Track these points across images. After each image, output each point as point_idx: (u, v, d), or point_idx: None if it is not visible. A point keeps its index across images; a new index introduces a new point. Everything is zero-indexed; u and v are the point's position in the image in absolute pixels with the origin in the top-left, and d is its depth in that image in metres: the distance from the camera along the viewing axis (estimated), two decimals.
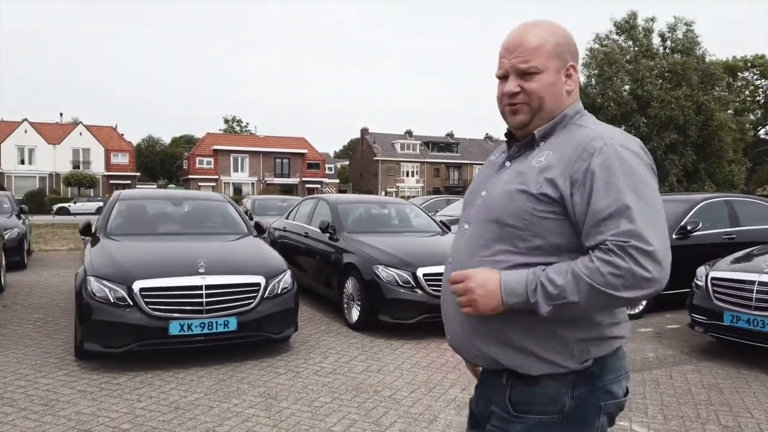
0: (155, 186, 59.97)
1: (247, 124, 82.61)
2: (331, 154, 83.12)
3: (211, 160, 56.00)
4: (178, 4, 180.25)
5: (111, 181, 54.10)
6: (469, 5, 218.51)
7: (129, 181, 54.65)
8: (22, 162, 51.99)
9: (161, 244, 5.50)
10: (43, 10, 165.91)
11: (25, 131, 52.20)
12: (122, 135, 58.31)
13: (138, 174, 57.34)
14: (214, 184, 55.07)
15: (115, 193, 6.81)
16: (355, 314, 6.06)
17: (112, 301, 4.51)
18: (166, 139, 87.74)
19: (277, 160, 58.58)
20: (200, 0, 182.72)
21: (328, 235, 6.88)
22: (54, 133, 53.69)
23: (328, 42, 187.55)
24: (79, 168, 52.87)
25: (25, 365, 4.66)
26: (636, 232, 1.25)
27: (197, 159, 55.94)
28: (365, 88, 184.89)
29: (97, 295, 4.55)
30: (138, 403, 3.90)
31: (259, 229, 6.50)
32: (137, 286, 4.53)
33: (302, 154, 59.34)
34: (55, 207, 41.51)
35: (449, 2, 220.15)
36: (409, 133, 67.79)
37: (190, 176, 55.14)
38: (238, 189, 55.18)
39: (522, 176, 1.40)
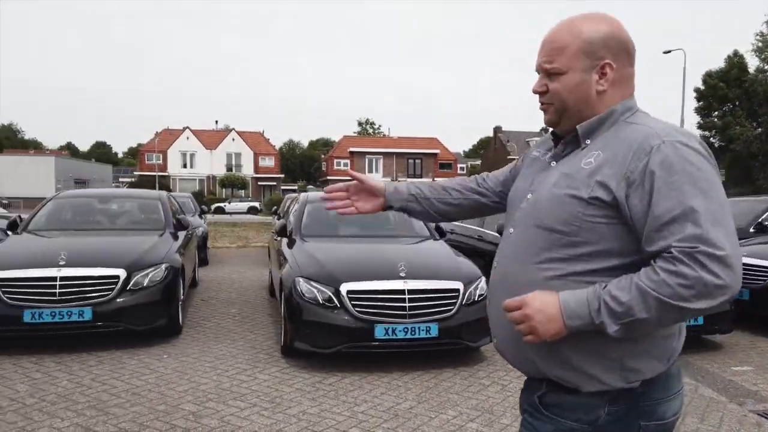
0: (296, 187, 63.59)
1: (380, 126, 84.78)
2: (462, 154, 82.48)
3: (348, 161, 58.10)
4: (312, 15, 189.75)
5: (259, 183, 58.35)
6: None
7: (274, 183, 58.55)
8: (185, 166, 57.84)
9: (358, 246, 5.57)
10: (202, 39, 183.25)
11: (187, 138, 58.03)
12: (268, 140, 62.65)
13: (282, 176, 61.17)
14: None
15: (302, 195, 7.08)
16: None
17: (321, 302, 4.61)
18: (305, 143, 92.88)
19: (410, 160, 59.32)
20: (334, 11, 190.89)
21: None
22: (211, 139, 59.08)
23: (455, 41, 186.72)
24: (232, 171, 57.66)
25: (240, 360, 4.92)
26: (703, 236, 1.15)
27: (335, 161, 58.37)
28: (495, 85, 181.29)
29: (306, 296, 4.68)
30: (356, 406, 3.91)
31: (441, 232, 6.39)
32: (344, 288, 4.58)
33: (434, 154, 59.53)
34: (213, 206, 45.57)
35: None
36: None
37: (328, 177, 57.65)
38: None
39: (570, 179, 1.31)
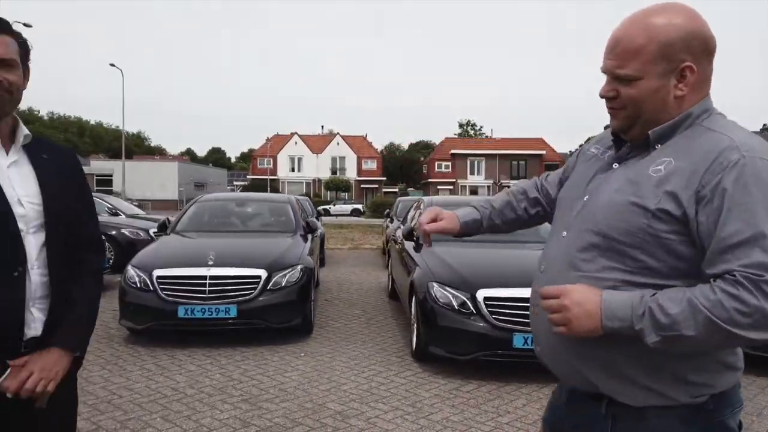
0: (397, 190, 64.27)
1: (481, 127, 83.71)
2: (569, 154, 79.27)
3: (449, 164, 57.85)
4: (411, 17, 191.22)
5: (362, 186, 59.67)
6: None
7: (377, 185, 59.60)
8: (293, 169, 60.49)
9: (489, 252, 5.48)
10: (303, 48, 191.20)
11: (295, 143, 60.66)
12: (371, 143, 63.95)
13: (384, 179, 62.18)
14: (451, 187, 56.80)
15: (426, 199, 7.10)
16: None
17: (455, 307, 4.57)
18: (405, 145, 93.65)
19: (514, 162, 57.89)
20: (430, 11, 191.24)
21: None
22: (316, 143, 61.35)
23: (558, 37, 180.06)
24: (336, 174, 59.49)
25: (374, 362, 5.01)
26: None
27: (436, 163, 58.35)
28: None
29: (441, 300, 4.66)
30: (499, 417, 3.82)
31: None
32: (480, 294, 4.51)
33: (540, 156, 57.68)
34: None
35: None
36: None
37: (429, 180, 57.77)
38: (473, 192, 55.97)
39: (635, 186, 1.21)
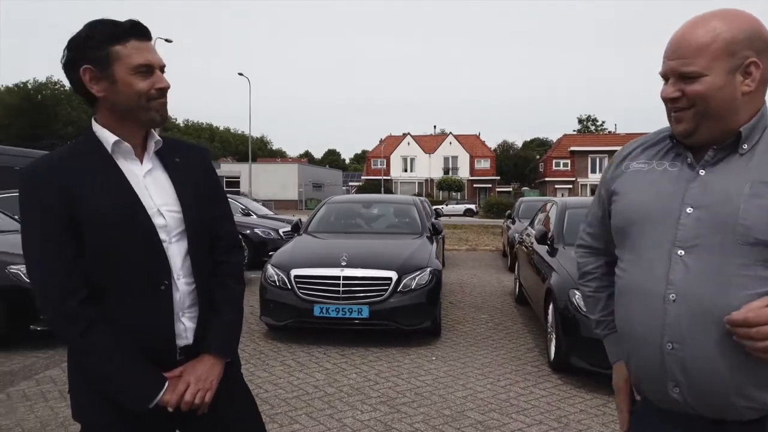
0: (510, 189, 62.66)
1: (603, 122, 79.16)
2: None
3: (568, 162, 55.35)
4: (523, 13, 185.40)
5: (474, 185, 58.90)
6: None
7: (489, 185, 58.53)
8: (405, 170, 61.12)
9: None
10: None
11: (408, 143, 61.27)
12: (484, 142, 62.95)
13: (498, 178, 60.93)
14: (570, 186, 54.33)
15: (560, 201, 6.76)
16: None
17: None
18: (519, 143, 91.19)
19: None
20: (546, 5, 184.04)
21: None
22: (429, 143, 61.53)
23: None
24: (448, 173, 59.24)
25: (508, 370, 4.83)
26: None
27: (554, 161, 56.09)
28: None
29: (584, 310, 4.38)
30: None
31: None
32: None
33: None
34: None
35: None
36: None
37: (546, 179, 55.67)
38: (595, 191, 53.16)
39: None
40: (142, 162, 1.48)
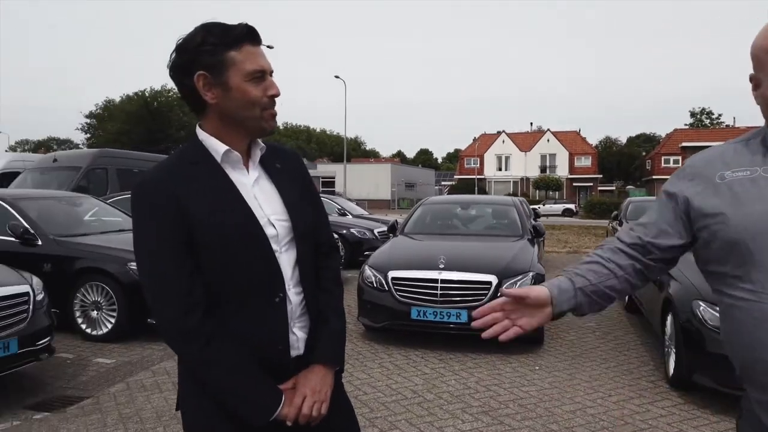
0: (613, 188, 59.43)
1: (720, 115, 72.86)
2: None
3: (679, 158, 51.52)
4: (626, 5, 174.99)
5: (574, 184, 56.48)
6: None
7: (591, 183, 55.88)
8: (499, 168, 59.83)
9: None
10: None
11: (503, 141, 59.93)
12: (584, 138, 60.17)
13: (600, 176, 58.02)
14: None
15: None
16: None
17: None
18: (623, 140, 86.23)
19: None
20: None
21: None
22: (525, 141, 59.80)
23: None
24: (545, 172, 57.24)
25: (621, 385, 4.49)
26: None
27: (662, 158, 52.49)
28: None
29: (710, 323, 3.96)
30: None
31: None
32: None
33: None
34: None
35: None
36: None
37: (653, 177, 52.22)
38: None
39: None
40: (248, 170, 1.44)
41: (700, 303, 4.07)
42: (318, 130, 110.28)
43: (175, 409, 1.51)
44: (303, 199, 1.51)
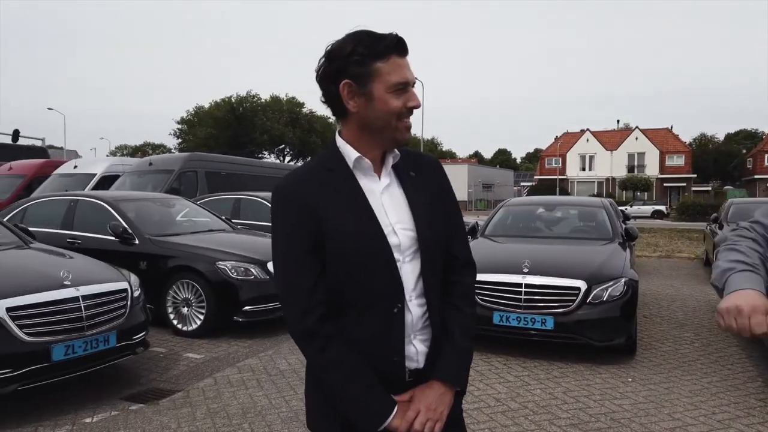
0: (709, 188, 55.55)
1: None
2: None
3: None
4: None
5: (664, 184, 53.33)
6: None
7: (684, 183, 52.56)
8: (583, 168, 57.52)
9: None
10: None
11: (587, 140, 57.57)
12: (677, 136, 56.67)
13: (694, 176, 54.45)
14: None
15: None
16: None
17: None
18: (720, 137, 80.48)
19: None
20: None
21: None
22: (611, 139, 57.14)
23: None
24: (633, 171, 54.42)
25: (725, 401, 4.12)
26: None
27: (766, 156, 48.45)
28: None
29: None
30: None
31: None
32: None
33: None
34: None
35: None
36: None
37: (755, 176, 48.32)
38: None
39: None
40: (379, 177, 1.45)
41: None
42: None
43: (307, 426, 1.55)
44: (435, 210, 1.47)
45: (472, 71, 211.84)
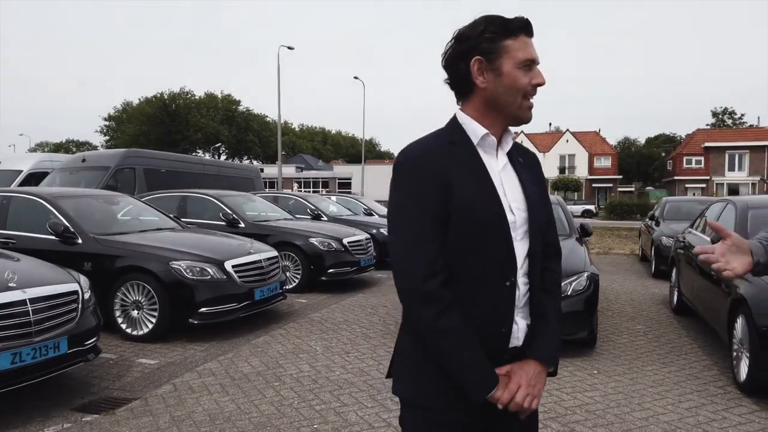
0: (633, 189, 58.63)
1: (742, 115, 71.55)
2: None
3: (701, 158, 50.73)
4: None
5: (593, 185, 55.83)
6: None
7: (611, 184, 55.22)
8: None
9: None
10: None
11: (521, 142, 59.14)
12: (604, 139, 59.46)
13: (620, 177, 57.32)
14: (704, 185, 49.73)
15: (739, 200, 5.97)
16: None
17: None
18: (642, 140, 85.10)
19: None
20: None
21: None
22: (544, 141, 59.18)
23: None
24: (564, 173, 56.62)
25: (687, 389, 4.26)
26: None
27: (684, 158, 51.66)
28: None
29: None
30: None
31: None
32: None
33: None
34: None
35: None
36: None
37: (675, 177, 51.43)
38: (733, 190, 48.09)
39: None
40: (497, 157, 1.50)
41: None
42: (333, 131, 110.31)
43: (385, 377, 1.63)
44: (540, 197, 1.55)
45: (411, 72, 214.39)
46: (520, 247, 1.46)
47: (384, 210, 14.76)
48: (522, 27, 1.44)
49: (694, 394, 4.18)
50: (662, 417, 3.75)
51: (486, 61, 1.42)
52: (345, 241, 8.53)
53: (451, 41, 1.47)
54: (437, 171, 1.40)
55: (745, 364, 4.16)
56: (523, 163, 1.55)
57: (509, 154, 1.53)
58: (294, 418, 3.70)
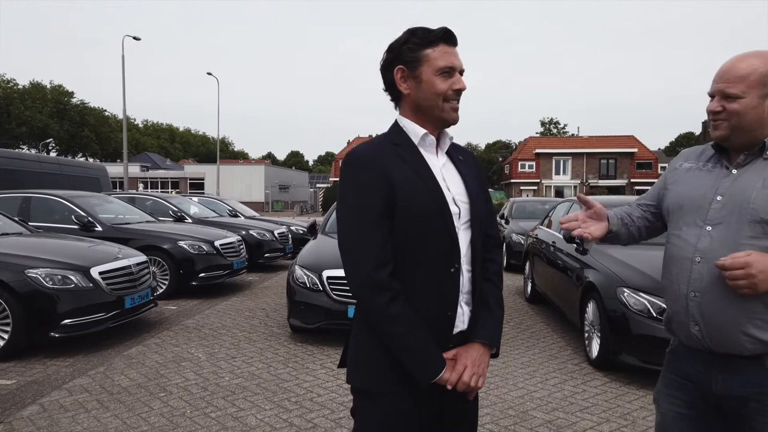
0: None
1: (565, 125, 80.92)
2: (662, 152, 74.99)
3: (533, 163, 56.37)
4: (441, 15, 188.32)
5: None
6: None
7: None
8: None
9: (655, 254, 5.15)
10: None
11: None
12: None
13: None
14: (535, 187, 55.33)
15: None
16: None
17: (654, 315, 4.31)
18: (482, 146, 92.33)
19: (602, 161, 55.52)
20: (502, 5, 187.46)
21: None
22: None
23: (649, 27, 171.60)
24: None
25: (551, 368, 4.81)
26: None
27: (519, 163, 57.03)
28: (701, 73, 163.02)
29: (635, 307, 4.40)
30: None
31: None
32: None
33: (631, 154, 55.01)
34: None
35: None
36: None
37: (512, 180, 56.57)
38: (559, 192, 54.23)
39: None
40: (437, 156, 1.64)
41: (624, 289, 4.51)
42: (182, 129, 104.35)
43: (338, 366, 1.76)
44: (480, 191, 1.67)
45: (266, 73, 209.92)
46: (463, 237, 1.59)
47: (250, 212, 14.39)
48: (441, 37, 1.56)
49: (557, 372, 4.74)
50: (535, 394, 4.20)
51: (408, 69, 1.56)
52: (217, 243, 8.20)
53: (385, 52, 1.61)
54: (382, 168, 1.51)
55: (596, 343, 4.81)
56: (463, 160, 1.69)
57: (449, 153, 1.66)
58: (190, 428, 3.55)
